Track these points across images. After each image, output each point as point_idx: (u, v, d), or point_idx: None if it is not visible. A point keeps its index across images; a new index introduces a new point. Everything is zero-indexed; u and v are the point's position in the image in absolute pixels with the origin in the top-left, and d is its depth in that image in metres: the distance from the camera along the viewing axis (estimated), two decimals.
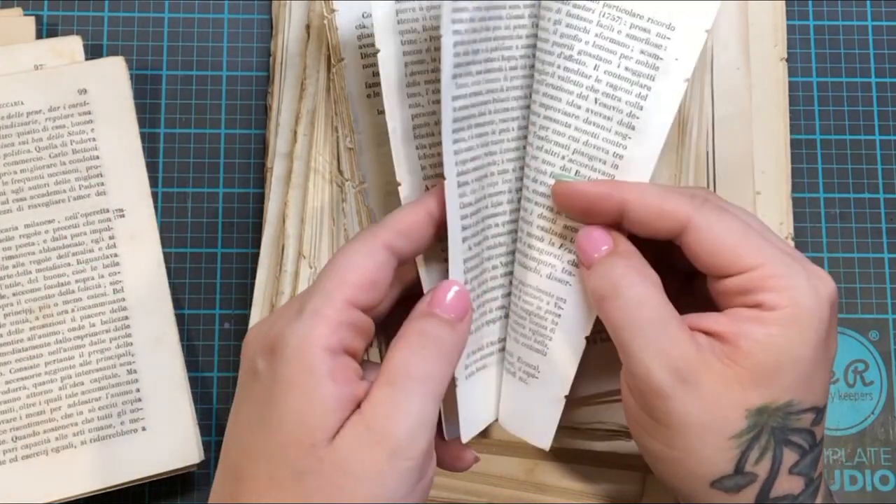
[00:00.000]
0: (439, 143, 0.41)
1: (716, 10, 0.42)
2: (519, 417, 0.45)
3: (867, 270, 0.57)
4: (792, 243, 0.55)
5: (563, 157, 0.43)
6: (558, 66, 0.43)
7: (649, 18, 0.42)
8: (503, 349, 0.46)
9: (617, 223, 0.42)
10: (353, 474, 0.36)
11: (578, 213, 0.42)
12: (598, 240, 0.42)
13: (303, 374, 0.37)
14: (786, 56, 0.57)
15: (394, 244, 0.40)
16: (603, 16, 0.42)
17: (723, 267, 0.40)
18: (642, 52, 0.42)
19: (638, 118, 0.42)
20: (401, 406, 0.37)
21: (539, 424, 0.45)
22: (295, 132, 0.52)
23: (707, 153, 0.53)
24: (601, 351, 0.46)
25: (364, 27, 0.47)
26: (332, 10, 0.48)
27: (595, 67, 0.42)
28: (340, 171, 0.49)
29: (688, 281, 0.45)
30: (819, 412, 0.40)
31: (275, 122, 0.54)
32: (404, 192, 0.42)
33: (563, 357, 0.43)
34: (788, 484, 0.40)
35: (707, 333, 0.40)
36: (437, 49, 0.41)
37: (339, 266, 0.39)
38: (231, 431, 0.39)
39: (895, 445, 0.55)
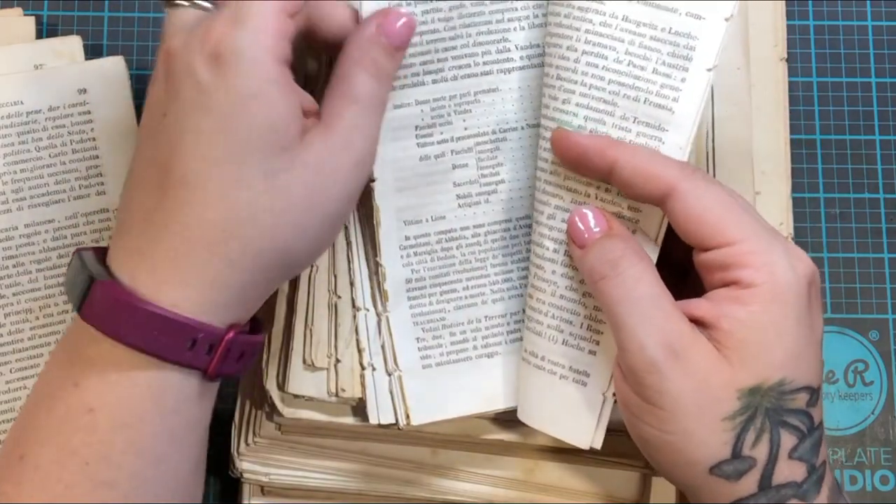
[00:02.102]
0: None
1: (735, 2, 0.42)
2: (559, 417, 0.45)
3: (867, 270, 0.57)
4: (793, 245, 0.55)
5: None
6: (587, 65, 0.43)
7: (670, 9, 0.42)
8: (517, 338, 0.47)
9: (606, 180, 0.43)
10: (323, 177, 0.40)
11: (571, 162, 0.43)
12: (593, 220, 0.42)
13: (266, 85, 0.39)
14: (786, 56, 0.57)
15: None
16: (625, 19, 0.43)
17: (705, 237, 0.40)
18: (670, 45, 0.42)
19: (672, 111, 0.42)
20: (365, 124, 0.42)
21: (580, 424, 0.45)
22: None
23: (707, 153, 0.53)
24: None
25: None
26: None
27: (618, 60, 0.43)
28: None
29: (683, 277, 0.45)
30: (813, 392, 0.40)
31: None
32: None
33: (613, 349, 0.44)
34: (790, 470, 0.40)
35: (690, 320, 0.40)
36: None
37: None
38: (169, 144, 0.39)
39: (895, 445, 0.55)
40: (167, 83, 0.40)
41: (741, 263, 0.40)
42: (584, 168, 0.43)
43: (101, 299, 0.39)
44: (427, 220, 0.47)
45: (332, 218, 0.41)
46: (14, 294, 0.52)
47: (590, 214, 0.42)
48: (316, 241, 0.42)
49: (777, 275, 0.39)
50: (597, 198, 0.43)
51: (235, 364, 0.40)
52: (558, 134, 0.43)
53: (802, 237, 0.57)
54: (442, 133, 0.47)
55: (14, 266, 0.52)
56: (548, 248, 0.44)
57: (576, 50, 0.43)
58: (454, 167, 0.47)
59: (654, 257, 0.43)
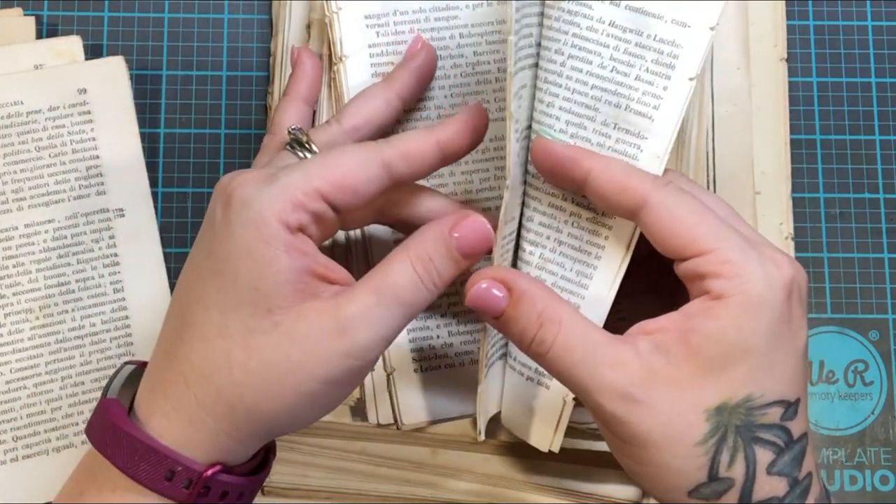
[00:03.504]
0: None
1: (720, 8, 0.42)
2: (524, 418, 0.46)
3: (867, 270, 0.57)
4: (792, 243, 0.55)
5: None
6: (573, 69, 0.43)
7: (657, 15, 0.42)
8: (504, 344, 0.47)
9: (581, 190, 0.42)
10: (304, 351, 0.38)
11: (547, 171, 0.43)
12: (491, 292, 0.40)
13: (259, 242, 0.38)
14: (786, 56, 0.57)
15: (393, 164, 0.41)
16: (612, 24, 0.42)
17: (679, 248, 0.40)
18: (654, 53, 0.42)
19: (652, 119, 0.42)
20: (376, 319, 0.38)
21: (541, 426, 0.45)
22: None
23: (707, 153, 0.53)
24: None
25: (377, 25, 0.47)
26: (334, 11, 0.48)
27: (602, 66, 0.42)
28: None
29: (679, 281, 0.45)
30: (789, 406, 0.40)
31: None
32: None
33: None
34: (770, 486, 0.39)
35: (659, 333, 0.39)
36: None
37: (331, 158, 0.40)
38: (185, 275, 0.41)
39: (895, 445, 0.55)
40: (208, 208, 0.41)
41: (713, 273, 0.39)
42: (560, 178, 0.42)
43: (98, 417, 0.40)
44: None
45: (307, 396, 0.39)
46: (14, 294, 0.52)
47: (483, 286, 0.40)
48: (289, 412, 0.39)
49: (748, 285, 0.38)
50: (573, 202, 0.43)
51: (218, 502, 0.39)
52: (536, 143, 0.43)
53: (802, 237, 0.57)
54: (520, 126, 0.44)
55: (14, 266, 0.52)
56: (524, 250, 0.44)
57: (562, 53, 0.43)
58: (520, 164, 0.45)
59: (626, 264, 0.43)
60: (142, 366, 0.42)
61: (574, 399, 0.44)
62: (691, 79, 0.42)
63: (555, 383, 0.44)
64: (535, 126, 0.44)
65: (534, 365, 0.44)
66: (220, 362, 0.38)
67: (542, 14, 0.45)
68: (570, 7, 0.43)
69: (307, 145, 0.43)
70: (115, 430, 0.39)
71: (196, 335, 0.39)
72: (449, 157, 0.42)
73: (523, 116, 0.44)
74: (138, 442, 0.38)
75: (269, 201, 0.38)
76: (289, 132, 0.44)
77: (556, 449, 0.45)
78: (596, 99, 0.42)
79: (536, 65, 0.45)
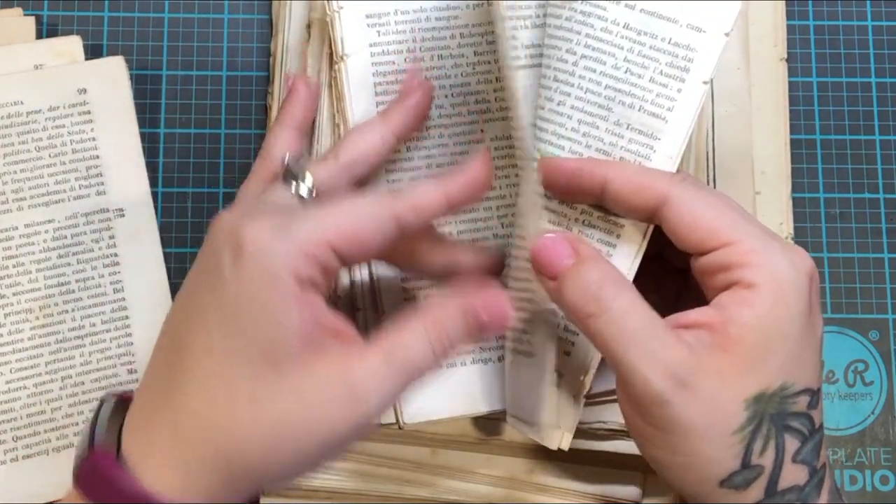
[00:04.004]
0: None
1: (736, 14, 0.42)
2: (528, 416, 0.45)
3: (867, 270, 0.57)
4: (792, 244, 0.55)
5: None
6: (585, 69, 0.43)
7: (672, 19, 0.42)
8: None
9: (598, 200, 0.42)
10: (310, 410, 0.37)
11: (561, 188, 0.43)
12: (560, 247, 0.40)
13: (272, 296, 0.37)
14: (786, 56, 0.57)
15: (402, 217, 0.40)
16: (626, 27, 0.43)
17: (701, 241, 0.40)
18: (669, 56, 0.42)
19: (665, 120, 0.42)
20: (387, 385, 0.38)
21: (548, 424, 0.45)
22: None
23: (707, 153, 0.53)
24: None
25: (378, 24, 0.47)
26: (335, 10, 0.48)
27: (616, 67, 0.43)
28: None
29: (685, 279, 0.45)
30: (813, 394, 0.40)
31: None
32: None
33: (587, 351, 0.44)
34: (793, 474, 0.39)
35: (695, 327, 0.39)
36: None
37: (344, 211, 0.40)
38: (184, 313, 0.39)
39: (895, 445, 0.55)
40: (206, 247, 0.40)
41: (740, 263, 0.39)
42: (576, 192, 0.42)
43: (89, 468, 0.38)
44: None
45: (309, 457, 0.38)
46: (14, 294, 0.52)
47: (553, 241, 0.40)
48: (288, 471, 0.38)
49: (777, 272, 0.39)
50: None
51: None
52: (544, 162, 0.43)
53: (802, 237, 0.57)
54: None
55: (14, 266, 0.52)
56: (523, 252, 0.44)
57: (574, 53, 0.43)
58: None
59: (637, 263, 0.43)
60: (123, 399, 0.40)
61: (585, 397, 0.44)
62: (705, 82, 0.42)
63: (565, 381, 0.44)
64: (544, 125, 0.44)
65: (544, 361, 0.44)
66: (222, 416, 0.37)
67: (542, 16, 0.45)
68: (582, 8, 0.43)
69: (304, 180, 0.43)
70: (109, 483, 0.37)
71: (197, 384, 0.38)
72: (455, 209, 0.42)
73: (527, 115, 0.44)
74: (135, 495, 0.37)
75: (283, 254, 0.37)
76: (284, 163, 0.43)
77: (565, 447, 0.45)
78: (609, 99, 0.42)
79: (538, 65, 0.45)
